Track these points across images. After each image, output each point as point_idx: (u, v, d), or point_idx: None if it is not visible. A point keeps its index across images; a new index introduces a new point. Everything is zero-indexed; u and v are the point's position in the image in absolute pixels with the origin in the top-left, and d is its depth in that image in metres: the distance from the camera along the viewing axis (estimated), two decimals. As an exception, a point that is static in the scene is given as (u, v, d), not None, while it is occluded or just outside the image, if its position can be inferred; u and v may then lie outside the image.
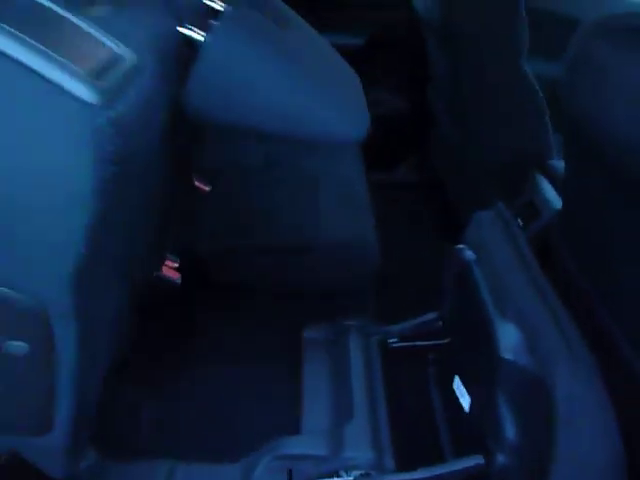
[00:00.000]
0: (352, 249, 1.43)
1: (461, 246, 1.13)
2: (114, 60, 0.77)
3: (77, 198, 0.72)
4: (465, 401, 1.09)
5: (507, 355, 0.93)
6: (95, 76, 0.71)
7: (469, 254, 1.10)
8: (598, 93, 0.91)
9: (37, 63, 0.68)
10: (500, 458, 0.95)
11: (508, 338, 0.94)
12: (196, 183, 1.61)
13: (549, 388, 0.83)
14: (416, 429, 1.21)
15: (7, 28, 0.68)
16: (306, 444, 1.11)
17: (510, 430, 0.95)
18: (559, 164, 1.41)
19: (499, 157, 1.51)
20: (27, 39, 0.69)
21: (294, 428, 1.16)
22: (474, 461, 0.99)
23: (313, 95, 0.99)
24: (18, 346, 0.82)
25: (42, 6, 0.78)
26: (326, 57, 1.19)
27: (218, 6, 1.05)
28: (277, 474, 1.06)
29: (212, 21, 1.00)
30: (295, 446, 1.10)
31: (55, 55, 0.69)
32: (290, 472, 1.06)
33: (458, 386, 1.12)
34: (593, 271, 1.03)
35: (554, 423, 0.81)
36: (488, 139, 1.56)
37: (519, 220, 1.35)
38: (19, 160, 0.71)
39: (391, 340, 1.34)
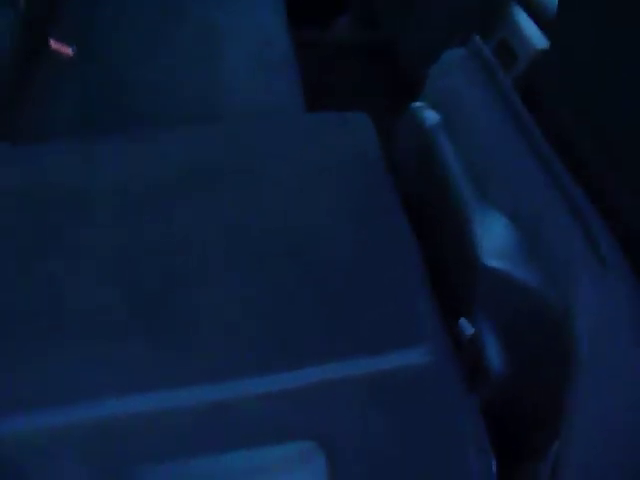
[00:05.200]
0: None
1: (417, 104, 0.79)
2: None
3: None
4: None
5: (491, 262, 0.64)
6: None
7: (431, 115, 0.77)
8: None
9: None
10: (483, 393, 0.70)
11: (494, 236, 0.64)
12: (53, 45, 1.27)
13: (563, 315, 0.53)
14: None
15: None
16: None
17: (497, 365, 0.67)
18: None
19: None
20: None
21: None
22: None
23: None
24: None
25: None
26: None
27: None
28: None
29: None
30: None
31: None
32: None
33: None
34: (593, 123, 0.72)
35: (569, 365, 0.54)
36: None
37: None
38: None
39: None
